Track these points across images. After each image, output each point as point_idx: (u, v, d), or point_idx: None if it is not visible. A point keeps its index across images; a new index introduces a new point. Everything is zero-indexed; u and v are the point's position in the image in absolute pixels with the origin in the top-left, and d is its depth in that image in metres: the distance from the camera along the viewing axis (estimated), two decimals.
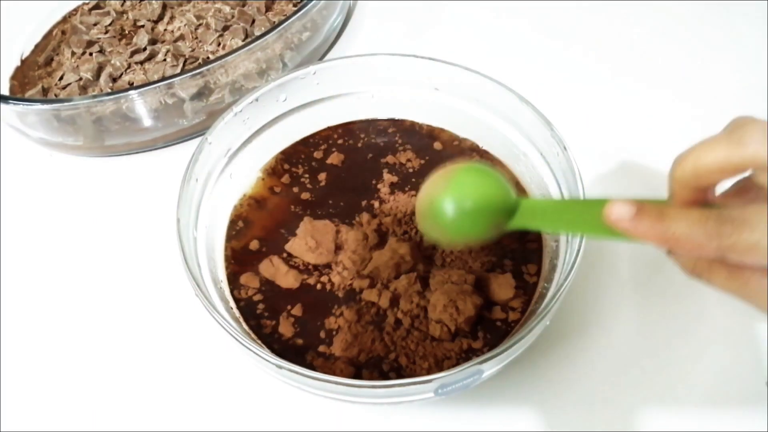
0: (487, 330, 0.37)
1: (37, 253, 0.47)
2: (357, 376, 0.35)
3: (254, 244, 0.41)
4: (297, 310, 0.38)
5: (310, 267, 0.40)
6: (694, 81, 0.55)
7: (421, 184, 0.43)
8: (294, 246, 0.40)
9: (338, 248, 0.40)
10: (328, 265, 0.40)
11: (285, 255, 0.41)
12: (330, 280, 0.39)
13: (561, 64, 0.56)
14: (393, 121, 0.47)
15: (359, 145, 0.46)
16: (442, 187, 0.30)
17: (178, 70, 0.54)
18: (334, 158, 0.45)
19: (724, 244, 0.23)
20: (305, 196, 0.44)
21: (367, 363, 0.36)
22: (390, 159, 0.45)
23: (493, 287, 0.38)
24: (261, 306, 0.39)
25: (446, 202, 0.30)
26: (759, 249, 0.22)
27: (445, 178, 0.31)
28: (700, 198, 0.25)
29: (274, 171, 0.45)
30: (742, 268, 0.24)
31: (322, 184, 0.44)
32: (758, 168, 0.23)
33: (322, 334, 0.37)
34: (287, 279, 0.39)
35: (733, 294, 0.25)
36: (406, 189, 0.43)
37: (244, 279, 0.40)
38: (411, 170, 0.45)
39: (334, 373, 0.35)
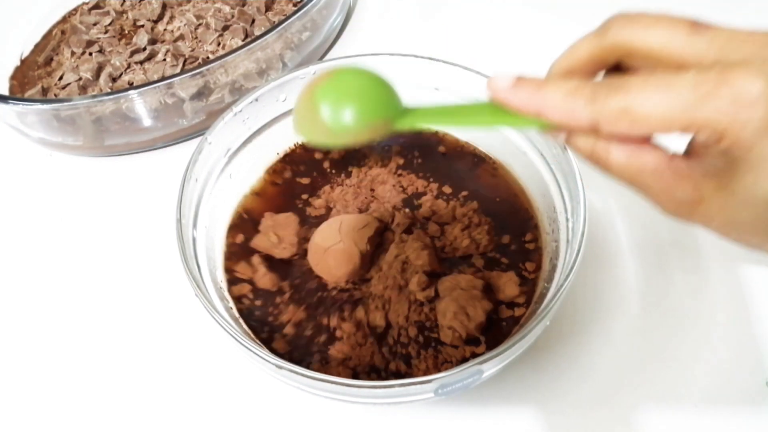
0: (493, 331, 0.37)
1: (38, 253, 0.47)
2: (356, 376, 0.35)
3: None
4: (292, 315, 0.38)
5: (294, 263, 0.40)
6: None
7: (420, 182, 0.44)
8: (258, 242, 0.41)
9: (305, 240, 0.40)
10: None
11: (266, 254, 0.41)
12: (327, 283, 0.39)
13: None
14: None
15: (362, 150, 0.46)
16: (322, 85, 0.28)
17: (178, 70, 0.54)
18: (334, 155, 0.46)
19: (598, 107, 0.22)
20: (304, 194, 0.44)
21: (366, 371, 0.36)
22: (389, 157, 0.45)
23: (498, 285, 0.38)
24: (258, 307, 0.39)
25: (324, 99, 0.27)
26: (630, 113, 0.21)
27: (326, 77, 0.29)
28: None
29: (274, 170, 0.45)
30: (640, 149, 0.23)
31: (323, 181, 0.44)
32: (620, 52, 0.24)
33: (320, 339, 0.37)
34: (264, 280, 0.39)
35: (630, 182, 0.24)
36: (405, 186, 0.44)
37: (240, 278, 0.40)
38: (410, 169, 0.45)
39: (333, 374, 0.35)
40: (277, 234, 0.40)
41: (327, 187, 0.44)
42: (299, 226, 0.41)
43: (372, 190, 0.44)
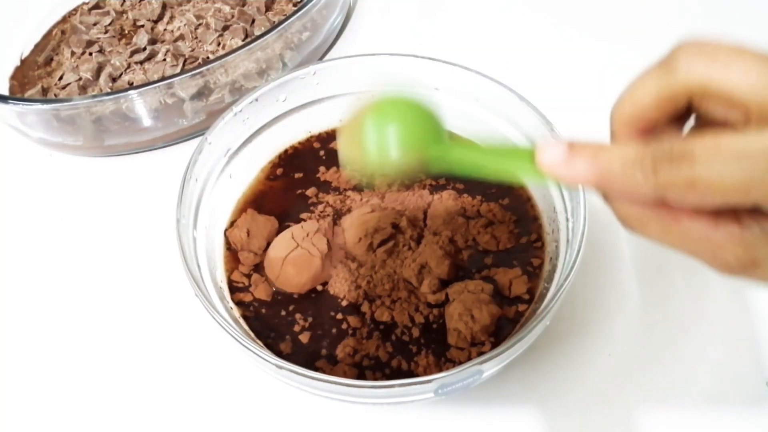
0: (501, 332, 0.37)
1: (38, 253, 0.47)
2: (360, 377, 0.35)
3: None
4: (298, 316, 0.38)
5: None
6: None
7: (420, 183, 0.44)
8: (231, 234, 0.41)
9: (269, 245, 0.40)
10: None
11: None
12: (331, 285, 0.39)
13: (562, 63, 0.56)
14: None
15: None
16: (368, 115, 0.29)
17: (178, 70, 0.54)
18: (333, 154, 0.46)
19: (662, 181, 0.19)
20: (305, 194, 0.44)
21: (370, 366, 0.36)
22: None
23: (504, 282, 0.38)
24: (263, 310, 0.39)
25: (369, 131, 0.28)
26: (701, 185, 0.19)
27: (374, 108, 0.29)
28: (642, 140, 0.22)
29: (274, 170, 0.45)
30: (678, 218, 0.21)
31: (321, 184, 0.44)
32: (692, 94, 0.20)
33: (327, 339, 0.37)
34: (259, 291, 0.39)
35: (674, 248, 0.22)
36: (402, 191, 0.43)
37: (239, 285, 0.40)
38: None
39: (337, 375, 0.35)
40: (249, 231, 0.40)
41: (329, 187, 0.44)
42: (276, 232, 0.41)
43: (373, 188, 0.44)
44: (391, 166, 0.28)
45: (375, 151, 0.28)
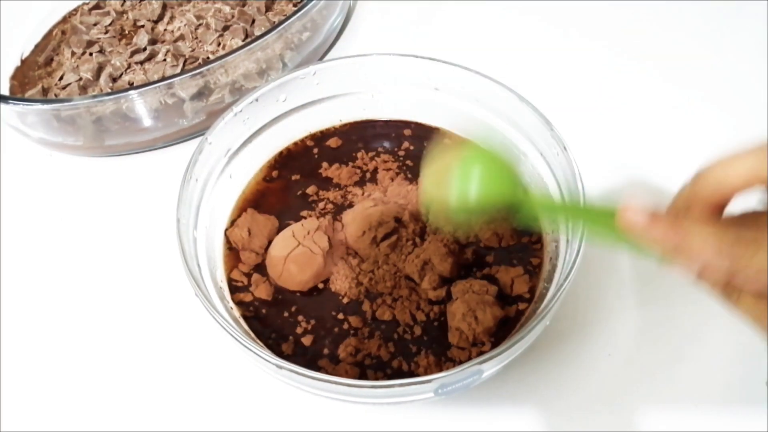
0: (501, 332, 0.37)
1: (38, 253, 0.47)
2: (362, 376, 0.35)
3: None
4: (299, 314, 0.38)
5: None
6: (694, 80, 0.55)
7: (420, 181, 0.44)
8: (232, 234, 0.41)
9: (270, 243, 0.40)
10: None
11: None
12: (333, 282, 0.39)
13: (561, 63, 0.56)
14: (393, 121, 0.47)
15: (359, 144, 0.46)
16: (451, 175, 0.30)
17: (178, 70, 0.54)
18: (334, 151, 0.46)
19: (735, 266, 0.22)
20: (300, 194, 0.44)
21: (372, 366, 0.36)
22: (388, 158, 0.45)
23: (505, 281, 0.38)
24: (265, 311, 0.39)
25: (453, 192, 0.30)
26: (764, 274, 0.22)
27: (455, 165, 0.30)
28: (715, 215, 0.25)
29: (274, 170, 0.45)
30: None
31: (321, 180, 0.44)
32: None
33: (328, 339, 0.37)
34: (259, 291, 0.39)
35: (756, 322, 0.25)
36: (404, 185, 0.43)
37: (240, 285, 0.40)
38: (410, 169, 0.45)
39: (338, 375, 0.35)
40: (250, 230, 0.40)
41: (329, 184, 0.44)
42: (276, 231, 0.41)
43: (376, 183, 0.44)
44: (471, 213, 0.30)
45: (459, 198, 0.29)
